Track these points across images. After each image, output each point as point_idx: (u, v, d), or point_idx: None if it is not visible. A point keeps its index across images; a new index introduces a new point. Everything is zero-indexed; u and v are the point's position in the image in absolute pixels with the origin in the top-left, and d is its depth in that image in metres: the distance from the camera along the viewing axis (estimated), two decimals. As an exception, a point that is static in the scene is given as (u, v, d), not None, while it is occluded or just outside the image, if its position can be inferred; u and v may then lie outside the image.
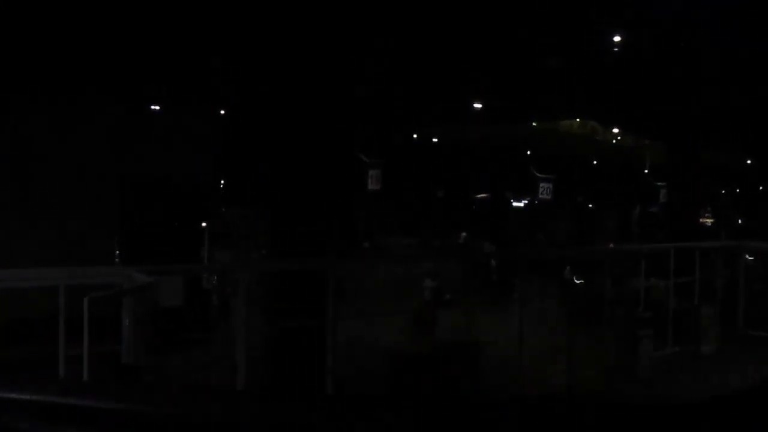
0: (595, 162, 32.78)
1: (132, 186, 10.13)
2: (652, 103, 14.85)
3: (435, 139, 28.63)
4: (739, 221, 32.97)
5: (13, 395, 1.32)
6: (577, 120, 25.30)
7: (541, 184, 19.76)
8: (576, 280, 11.02)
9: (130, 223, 9.81)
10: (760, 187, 43.25)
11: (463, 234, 19.32)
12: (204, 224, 12.34)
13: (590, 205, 32.37)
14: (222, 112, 18.59)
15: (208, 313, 8.19)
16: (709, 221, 30.37)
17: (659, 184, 22.35)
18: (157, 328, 4.83)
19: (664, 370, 9.13)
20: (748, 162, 31.51)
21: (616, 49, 13.29)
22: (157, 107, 15.80)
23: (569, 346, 8.30)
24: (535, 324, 8.19)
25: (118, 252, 9.31)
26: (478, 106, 18.05)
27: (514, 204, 30.25)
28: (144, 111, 13.94)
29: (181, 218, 10.56)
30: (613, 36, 13.15)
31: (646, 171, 29.20)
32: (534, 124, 24.70)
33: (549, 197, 20.10)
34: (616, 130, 24.70)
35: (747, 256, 11.57)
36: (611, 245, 12.97)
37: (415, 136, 27.91)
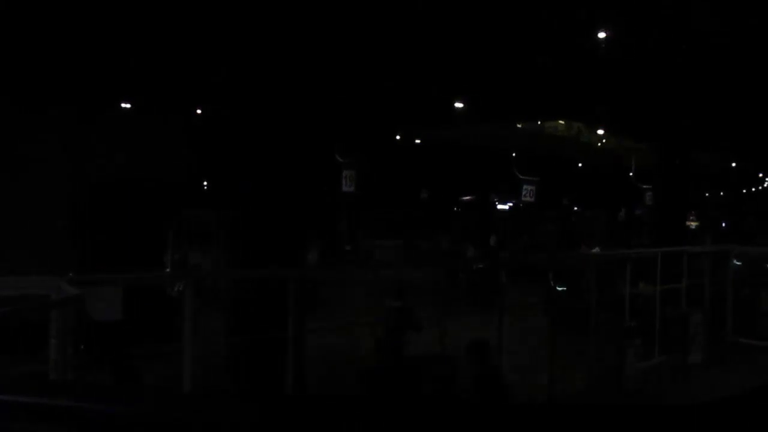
0: (580, 164, 32.59)
1: (90, 189, 9.55)
2: (643, 105, 14.53)
3: (418, 140, 28.26)
4: (723, 224, 32.91)
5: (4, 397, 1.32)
6: (561, 122, 25.05)
7: (525, 186, 19.36)
8: (558, 288, 10.59)
9: (86, 227, 9.22)
10: (744, 190, 43.45)
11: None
12: (172, 227, 11.77)
13: (575, 208, 32.14)
14: (199, 111, 18.08)
15: (169, 324, 7.59)
16: (693, 224, 30.24)
17: (645, 186, 22.08)
18: (90, 344, 4.32)
19: (651, 380, 8.75)
20: (733, 165, 31.45)
21: (604, 49, 12.95)
22: (127, 106, 15.27)
23: (553, 357, 7.89)
24: (517, 334, 7.77)
25: (74, 259, 8.71)
26: (460, 105, 17.64)
27: (499, 206, 29.92)
28: (110, 112, 13.41)
29: (143, 222, 9.98)
30: (602, 36, 12.79)
31: (630, 174, 28.99)
32: (519, 125, 24.40)
33: (532, 199, 19.70)
34: (601, 132, 24.44)
35: (735, 261, 11.21)
36: (597, 249, 12.59)
37: (398, 137, 27.53)
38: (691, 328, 9.63)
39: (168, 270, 10.39)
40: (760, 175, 40.94)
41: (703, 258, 10.85)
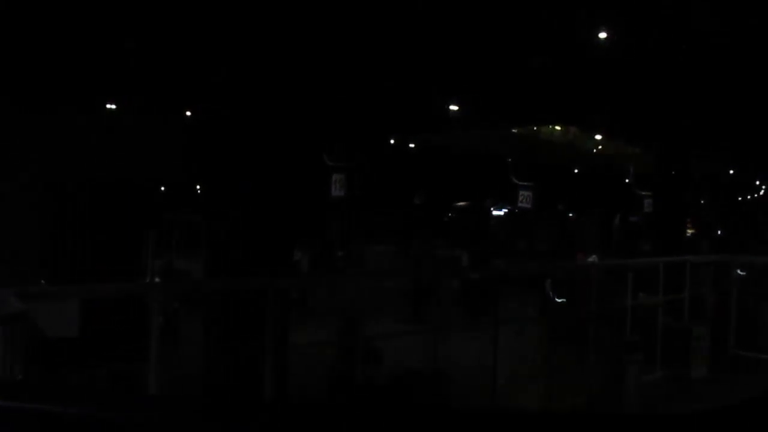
0: (576, 170, 32.31)
1: (64, 193, 9.07)
2: (642, 107, 14.19)
3: (412, 145, 27.92)
4: (719, 232, 32.63)
5: None
6: (557, 128, 24.75)
7: (521, 192, 18.93)
8: (558, 299, 10.19)
9: (57, 234, 8.73)
10: (740, 198, 43.23)
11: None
12: (154, 230, 11.29)
13: (570, 214, 31.80)
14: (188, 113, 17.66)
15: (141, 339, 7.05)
16: (689, 231, 29.92)
17: (644, 193, 21.72)
18: (39, 363, 3.89)
19: (652, 396, 8.36)
20: (731, 172, 31.19)
21: (603, 50, 12.60)
22: (113, 107, 14.87)
23: (549, 370, 7.51)
24: (512, 346, 7.38)
25: (43, 268, 8.22)
26: (454, 108, 17.28)
27: (494, 212, 29.54)
28: (96, 112, 13.01)
29: (120, 227, 9.52)
30: (600, 39, 12.44)
31: (627, 180, 28.68)
32: (514, 130, 24.07)
33: (529, 205, 19.28)
34: (599, 137, 24.14)
35: (738, 271, 10.84)
36: (594, 257, 12.20)
37: (392, 141, 27.15)
38: (694, 341, 9.24)
39: (148, 278, 9.92)
40: (758, 182, 40.75)
41: (705, 268, 10.49)
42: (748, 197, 44.53)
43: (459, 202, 30.84)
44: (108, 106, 14.96)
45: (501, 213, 29.26)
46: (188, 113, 17.84)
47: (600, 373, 7.89)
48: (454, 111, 17.40)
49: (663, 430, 1.29)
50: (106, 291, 4.32)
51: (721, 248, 19.09)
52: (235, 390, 5.69)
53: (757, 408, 1.35)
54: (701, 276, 10.41)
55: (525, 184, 19.15)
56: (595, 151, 27.30)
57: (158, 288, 5.52)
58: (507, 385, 7.06)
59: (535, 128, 24.22)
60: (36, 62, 10.33)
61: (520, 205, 19.09)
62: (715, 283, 10.48)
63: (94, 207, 9.25)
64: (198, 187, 25.31)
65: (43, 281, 8.32)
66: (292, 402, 5.59)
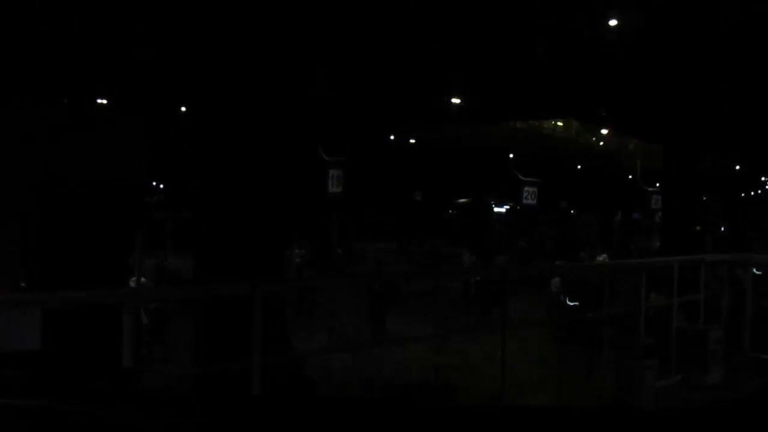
0: (579, 166, 31.86)
1: (50, 193, 8.58)
2: (653, 103, 13.78)
3: (413, 140, 27.48)
4: (722, 228, 32.23)
5: None
6: (560, 123, 24.35)
7: (526, 188, 18.41)
8: (570, 302, 9.71)
9: (38, 236, 8.24)
10: (743, 194, 42.80)
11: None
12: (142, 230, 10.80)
13: (572, 211, 31.38)
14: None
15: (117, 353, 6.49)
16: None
17: (650, 189, 21.25)
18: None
19: (669, 403, 7.90)
20: (737, 167, 30.78)
21: (613, 48, 12.20)
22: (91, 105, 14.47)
23: (559, 379, 7.08)
24: (521, 350, 6.95)
25: (24, 273, 7.72)
26: (456, 101, 16.83)
27: (495, 209, 29.12)
28: (85, 110, 12.57)
29: (110, 227, 9.04)
30: (610, 35, 12.05)
31: (630, 177, 28.25)
32: (517, 125, 23.66)
33: (534, 202, 18.76)
34: (604, 132, 23.70)
35: (755, 270, 10.36)
36: (604, 256, 11.73)
37: (392, 137, 26.72)
38: (710, 344, 8.77)
39: (135, 279, 9.46)
40: (763, 178, 40.32)
41: (718, 267, 10.04)
42: (752, 193, 44.09)
43: (459, 198, 30.44)
44: (99, 101, 14.56)
45: (502, 210, 28.84)
46: (181, 109, 17.43)
47: (614, 380, 7.44)
48: (455, 105, 16.96)
49: (666, 428, 1.26)
50: (73, 299, 3.87)
51: (725, 244, 18.68)
52: (225, 390, 5.29)
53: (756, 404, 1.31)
54: (715, 275, 9.98)
55: (530, 180, 18.68)
56: (600, 145, 26.89)
57: (131, 295, 5.07)
58: (514, 393, 6.62)
59: (538, 123, 23.82)
60: (21, 63, 9.97)
61: (524, 201, 18.63)
62: (730, 283, 10.04)
63: (82, 207, 8.79)
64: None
65: (23, 284, 7.84)
66: (286, 401, 5.14)
